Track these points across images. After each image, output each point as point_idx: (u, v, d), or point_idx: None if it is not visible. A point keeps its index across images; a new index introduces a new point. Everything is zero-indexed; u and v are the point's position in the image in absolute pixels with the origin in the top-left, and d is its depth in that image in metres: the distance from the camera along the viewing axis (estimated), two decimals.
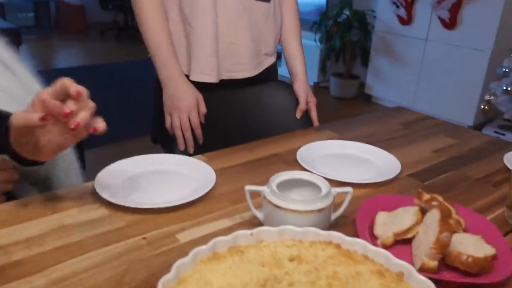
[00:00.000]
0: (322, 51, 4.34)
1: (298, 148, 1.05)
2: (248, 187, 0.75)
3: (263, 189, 0.73)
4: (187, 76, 1.22)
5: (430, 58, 3.61)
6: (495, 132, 3.30)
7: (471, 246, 0.65)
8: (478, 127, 3.41)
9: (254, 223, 0.76)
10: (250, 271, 0.58)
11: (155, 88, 1.30)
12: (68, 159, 0.90)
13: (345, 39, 4.08)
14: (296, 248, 0.63)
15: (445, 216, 0.67)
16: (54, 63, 5.40)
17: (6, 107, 0.79)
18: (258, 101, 1.34)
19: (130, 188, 0.87)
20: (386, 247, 0.68)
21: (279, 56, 1.49)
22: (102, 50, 6.02)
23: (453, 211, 0.73)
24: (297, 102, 1.32)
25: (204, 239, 0.71)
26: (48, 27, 6.85)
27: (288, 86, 1.36)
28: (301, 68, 1.34)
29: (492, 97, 3.10)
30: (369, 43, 4.07)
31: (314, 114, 1.33)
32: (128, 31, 6.75)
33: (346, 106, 4.08)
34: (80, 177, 0.89)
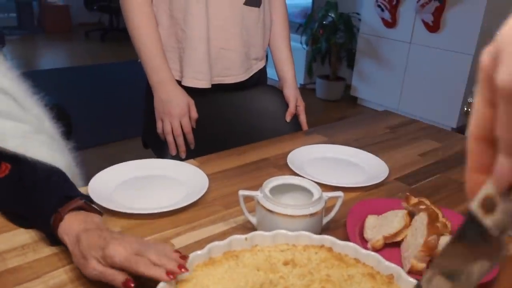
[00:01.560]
0: (308, 53, 4.37)
1: (288, 152, 1.07)
2: (242, 192, 0.76)
3: (257, 194, 0.75)
4: (179, 82, 1.23)
5: (414, 60, 3.67)
6: None
7: None
8: (461, 129, 3.48)
9: (248, 227, 0.78)
10: (246, 275, 0.59)
11: (146, 93, 1.30)
12: (71, 167, 0.90)
13: (330, 42, 4.12)
14: (290, 252, 0.65)
15: (432, 219, 0.69)
16: (38, 64, 5.34)
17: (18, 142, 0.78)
18: (248, 106, 1.35)
19: (124, 194, 0.87)
20: (376, 250, 0.71)
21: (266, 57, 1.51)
22: (87, 51, 5.96)
23: (440, 214, 0.76)
24: (286, 106, 1.34)
25: (199, 244, 0.72)
26: (32, 28, 6.76)
27: (277, 91, 1.38)
28: (291, 73, 1.36)
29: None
30: (355, 45, 4.12)
31: (303, 118, 1.35)
32: (113, 32, 6.70)
33: (332, 108, 4.12)
34: (80, 183, 0.90)
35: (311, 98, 4.31)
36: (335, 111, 4.03)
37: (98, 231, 0.62)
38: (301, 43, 4.29)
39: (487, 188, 0.27)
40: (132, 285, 0.56)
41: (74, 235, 0.63)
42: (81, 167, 0.95)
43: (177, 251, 0.59)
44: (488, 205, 0.27)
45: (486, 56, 0.27)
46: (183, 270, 0.56)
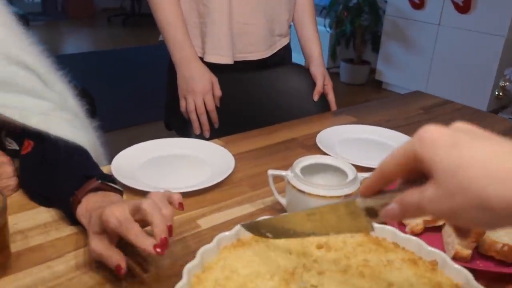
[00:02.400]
0: (332, 36, 4.27)
1: (317, 132, 1.02)
2: (271, 172, 0.72)
3: (287, 173, 0.71)
4: (201, 59, 1.19)
5: (443, 43, 3.55)
6: (510, 118, 3.25)
7: (505, 234, 0.62)
8: (492, 113, 3.36)
9: (277, 208, 0.74)
10: (277, 258, 0.56)
11: (168, 72, 1.27)
12: (95, 145, 0.88)
13: (355, 24, 4.01)
14: None
15: None
16: (62, 49, 5.37)
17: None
18: (273, 85, 1.31)
19: (147, 173, 0.84)
20: (415, 234, 0.66)
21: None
22: (109, 36, 5.97)
23: None
24: (313, 85, 1.29)
25: (226, 225, 0.69)
26: (55, 14, 6.80)
27: (303, 69, 1.33)
28: (317, 50, 1.31)
29: (507, 83, 3.04)
30: (380, 28, 4.00)
31: (331, 97, 1.30)
32: (135, 17, 6.69)
33: (357, 93, 4.03)
34: (104, 162, 0.87)
35: (335, 82, 4.17)
36: (360, 95, 3.94)
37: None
38: (324, 26, 4.19)
39: (373, 202, 0.43)
40: (122, 271, 0.52)
41: (88, 216, 0.60)
42: (105, 147, 0.92)
43: (181, 203, 0.58)
44: (371, 213, 0.44)
45: (425, 150, 0.36)
46: (162, 239, 0.51)
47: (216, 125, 1.19)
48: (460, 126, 0.36)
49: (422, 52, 3.71)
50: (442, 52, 3.58)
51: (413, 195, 0.37)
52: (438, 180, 0.34)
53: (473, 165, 0.32)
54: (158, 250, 0.51)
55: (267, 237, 0.54)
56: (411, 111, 1.25)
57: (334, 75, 4.33)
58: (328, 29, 4.22)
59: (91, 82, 3.66)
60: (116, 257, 0.53)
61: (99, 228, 0.55)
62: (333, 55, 4.27)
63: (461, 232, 0.40)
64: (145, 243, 0.51)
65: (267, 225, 0.54)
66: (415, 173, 0.37)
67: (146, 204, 0.53)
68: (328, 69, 4.44)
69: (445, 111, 1.25)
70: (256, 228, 0.55)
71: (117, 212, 0.53)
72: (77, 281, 0.56)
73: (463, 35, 3.40)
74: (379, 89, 4.13)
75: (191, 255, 0.54)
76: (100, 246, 0.55)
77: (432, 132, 0.36)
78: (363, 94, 3.97)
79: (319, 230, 0.50)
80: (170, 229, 0.54)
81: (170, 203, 0.59)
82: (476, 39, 3.32)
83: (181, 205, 0.59)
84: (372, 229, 0.46)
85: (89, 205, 0.62)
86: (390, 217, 0.41)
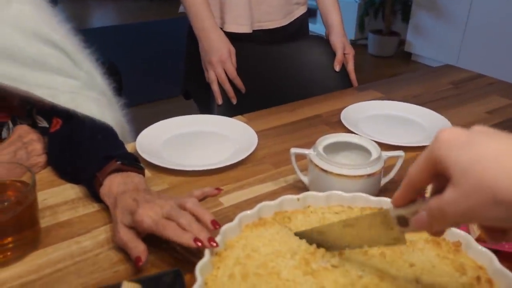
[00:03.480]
0: (360, 6, 4.15)
1: (341, 109, 1.01)
2: (294, 150, 0.72)
3: (309, 152, 0.70)
4: (221, 28, 1.20)
5: (477, 12, 3.39)
6: None
7: None
8: None
9: (299, 187, 0.74)
10: (298, 238, 0.56)
11: (187, 41, 1.29)
12: (122, 123, 0.89)
13: None
14: (345, 214, 0.60)
15: None
16: (89, 23, 5.41)
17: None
18: (294, 58, 1.30)
19: (171, 150, 0.85)
20: None
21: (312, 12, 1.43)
22: (136, 9, 5.98)
23: None
24: (333, 57, 1.27)
25: (248, 203, 0.69)
26: None
27: (324, 42, 1.31)
28: (337, 18, 1.28)
29: None
30: None
31: (351, 66, 1.27)
32: None
33: (385, 65, 3.93)
34: (131, 140, 0.89)
35: (362, 54, 4.13)
36: (388, 68, 3.84)
37: (134, 192, 0.60)
38: None
39: (402, 211, 0.44)
40: (140, 263, 0.53)
41: (113, 198, 0.61)
42: (131, 124, 0.94)
43: (214, 221, 0.55)
44: (402, 222, 0.45)
45: (442, 151, 0.36)
46: (212, 243, 0.51)
47: (243, 91, 1.19)
48: (478, 128, 0.36)
49: (455, 22, 3.56)
50: (476, 22, 3.43)
51: (435, 200, 0.37)
52: (455, 181, 0.34)
53: (486, 160, 0.32)
54: (199, 243, 0.51)
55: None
56: (440, 85, 1.21)
57: (362, 47, 4.23)
58: None
59: (118, 56, 3.69)
60: (139, 249, 0.55)
61: (129, 223, 0.57)
62: (361, 26, 4.16)
63: (493, 235, 0.39)
64: (184, 237, 0.52)
65: (305, 235, 0.55)
66: (443, 179, 0.37)
67: (183, 219, 0.54)
68: (355, 40, 4.31)
69: (476, 86, 1.21)
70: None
71: (151, 212, 0.55)
72: (103, 257, 0.58)
73: (499, 3, 3.24)
74: (408, 61, 4.01)
75: (214, 232, 0.55)
76: (127, 236, 0.56)
77: (448, 133, 0.36)
78: (392, 67, 3.87)
79: (354, 243, 0.51)
80: (214, 222, 0.55)
81: (205, 197, 0.61)
82: None
83: (218, 189, 0.60)
84: (405, 241, 0.46)
85: (113, 186, 0.63)
86: (419, 225, 0.41)
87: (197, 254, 0.57)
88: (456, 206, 0.35)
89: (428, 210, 0.39)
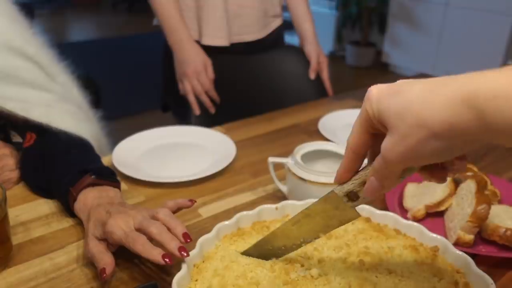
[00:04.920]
0: (338, 18, 4.22)
1: (319, 118, 1.01)
2: (272, 159, 0.72)
3: (287, 161, 0.70)
4: (198, 42, 1.21)
5: (451, 23, 3.48)
6: None
7: (508, 218, 0.62)
8: None
9: (278, 196, 0.74)
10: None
11: (164, 54, 1.30)
12: (99, 136, 0.88)
13: (361, 6, 3.95)
14: None
15: (481, 187, 0.63)
16: (67, 37, 5.36)
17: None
18: (269, 68, 1.32)
19: (148, 162, 0.84)
20: (417, 220, 0.65)
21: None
22: (115, 23, 5.95)
23: (489, 182, 0.69)
24: (308, 66, 1.29)
25: (227, 214, 0.69)
26: (60, 1, 6.77)
27: (298, 51, 1.33)
28: (310, 28, 1.31)
29: None
30: (387, 9, 3.94)
31: (325, 74, 1.29)
32: (140, 3, 6.65)
33: (363, 75, 3.98)
34: (108, 152, 0.87)
35: (341, 65, 4.18)
36: (366, 78, 3.90)
37: (108, 205, 0.59)
38: (330, 8, 4.14)
39: (351, 185, 0.44)
40: (104, 275, 0.51)
41: (87, 212, 0.60)
42: (110, 137, 0.92)
43: (186, 234, 0.53)
44: (352, 196, 0.44)
45: (374, 105, 0.37)
46: (183, 253, 0.50)
47: (217, 101, 1.20)
48: (400, 80, 0.38)
49: (429, 33, 3.65)
50: (449, 33, 3.51)
51: (378, 157, 0.39)
52: (391, 129, 0.36)
53: (418, 102, 0.34)
54: (167, 260, 0.50)
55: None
56: None
57: (340, 58, 4.28)
58: (333, 11, 4.16)
59: (96, 70, 3.65)
60: (105, 261, 0.53)
61: (100, 235, 0.55)
62: (339, 37, 4.22)
63: (434, 175, 0.40)
64: (152, 253, 0.50)
65: (256, 251, 0.53)
66: (380, 141, 0.38)
67: (154, 228, 0.52)
68: (333, 52, 4.34)
69: None
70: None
71: (122, 224, 0.54)
72: (78, 272, 0.56)
73: (471, 15, 3.33)
74: (385, 71, 4.08)
75: (193, 244, 0.54)
76: (96, 248, 0.54)
77: (375, 89, 0.38)
78: (370, 77, 3.92)
79: (308, 235, 0.50)
80: (186, 235, 0.53)
81: (178, 209, 0.59)
82: (484, 19, 3.25)
83: (191, 201, 0.59)
84: (358, 214, 0.46)
85: (87, 200, 0.62)
86: (371, 192, 0.41)
87: (168, 270, 0.56)
88: (396, 149, 0.36)
89: (372, 170, 0.40)
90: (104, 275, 0.51)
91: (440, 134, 0.33)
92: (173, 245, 0.50)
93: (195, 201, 0.60)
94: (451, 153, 0.36)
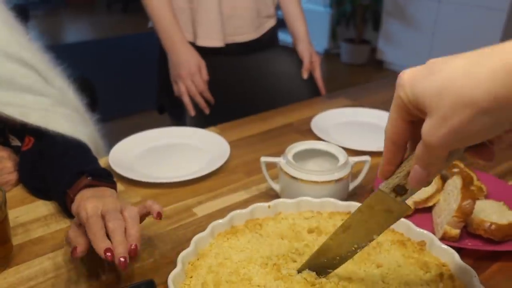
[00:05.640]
0: (332, 16, 4.23)
1: (312, 117, 1.03)
2: (264, 159, 0.73)
3: (279, 160, 0.72)
4: (193, 44, 1.22)
5: (444, 20, 3.50)
6: None
7: (493, 213, 0.64)
8: None
9: (271, 194, 0.75)
10: (270, 244, 0.57)
11: (159, 55, 1.31)
12: (95, 138, 0.89)
13: (356, 3, 3.97)
14: (315, 219, 0.62)
15: (467, 183, 0.65)
16: (63, 38, 5.36)
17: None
18: (262, 69, 1.33)
19: (144, 163, 0.86)
20: (405, 216, 0.67)
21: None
22: (109, 23, 5.95)
23: (475, 178, 0.71)
24: (301, 66, 1.31)
25: (221, 213, 0.70)
26: (55, 2, 6.76)
27: (291, 51, 1.35)
28: (303, 28, 1.32)
29: None
30: (381, 6, 3.96)
31: (318, 74, 1.30)
32: (135, 3, 6.64)
33: (358, 73, 4.00)
34: (105, 154, 0.89)
35: (335, 63, 4.20)
36: (361, 75, 3.92)
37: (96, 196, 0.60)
38: (324, 6, 4.15)
39: (396, 179, 0.42)
40: (75, 255, 0.52)
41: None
42: (106, 138, 0.94)
43: (135, 247, 0.52)
44: (400, 190, 0.42)
45: (407, 89, 0.36)
46: (121, 259, 0.50)
47: (212, 102, 1.21)
48: (431, 60, 0.36)
49: (423, 30, 3.67)
50: (443, 29, 3.54)
51: (419, 143, 0.37)
52: (430, 111, 0.34)
53: (456, 79, 0.32)
54: (108, 254, 0.50)
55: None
56: None
57: (334, 56, 4.30)
58: (327, 9, 4.18)
59: (91, 71, 3.66)
60: (78, 242, 0.54)
61: (78, 221, 0.57)
62: (333, 35, 4.24)
63: (485, 155, 0.39)
64: (99, 245, 0.51)
65: (311, 265, 0.51)
66: (419, 127, 0.36)
67: (111, 224, 0.53)
68: (328, 50, 4.34)
69: None
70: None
71: (90, 207, 0.55)
72: (77, 272, 0.58)
73: (464, 11, 3.36)
74: (380, 68, 4.10)
75: (188, 242, 0.56)
76: (73, 233, 0.56)
77: (407, 73, 0.37)
78: (365, 74, 3.95)
79: (362, 239, 0.48)
80: (134, 250, 0.52)
81: (148, 213, 0.58)
82: (477, 14, 3.28)
83: (159, 215, 0.57)
84: (409, 207, 0.44)
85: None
86: (417, 180, 0.39)
87: (164, 268, 0.57)
88: (438, 132, 0.34)
89: (416, 158, 0.38)
90: (75, 253, 0.53)
91: (487, 109, 0.31)
92: (119, 250, 0.50)
93: (161, 217, 0.58)
94: (500, 127, 0.33)
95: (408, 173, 0.40)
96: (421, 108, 0.35)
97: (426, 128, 0.35)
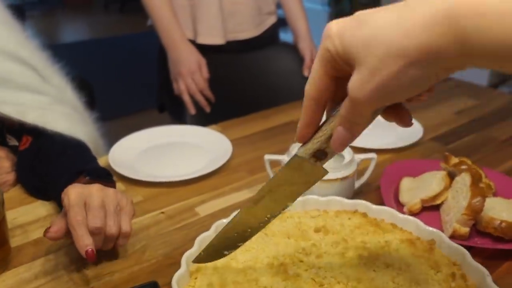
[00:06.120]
0: (330, 15, 4.22)
1: None
2: (268, 157, 0.72)
3: (283, 158, 0.70)
4: (193, 41, 1.21)
5: None
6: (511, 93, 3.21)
7: (503, 210, 0.62)
8: (493, 86, 3.33)
9: None
10: (276, 244, 0.56)
11: (159, 55, 1.30)
12: (94, 137, 0.88)
13: (354, 2, 3.96)
14: (321, 218, 0.61)
15: (476, 180, 0.64)
16: (60, 38, 5.33)
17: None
18: (263, 66, 1.32)
19: (145, 162, 0.84)
20: (413, 214, 0.66)
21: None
22: (107, 23, 5.92)
23: (483, 175, 0.70)
24: (302, 63, 1.30)
25: (224, 212, 0.69)
26: (52, 2, 6.74)
27: (292, 49, 1.34)
28: (304, 25, 1.32)
29: None
30: (379, 5, 3.95)
31: None
32: (132, 2, 6.62)
33: None
34: (104, 153, 0.87)
35: None
36: None
37: None
38: (322, 4, 4.14)
39: (316, 143, 0.39)
40: (47, 233, 0.53)
41: None
42: (105, 137, 0.92)
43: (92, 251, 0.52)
44: (320, 155, 0.40)
45: (336, 41, 0.33)
46: (89, 251, 0.51)
47: (212, 100, 1.20)
48: (359, 12, 0.34)
49: None
50: None
51: (345, 101, 0.34)
52: (359, 64, 0.32)
53: (386, 29, 0.30)
54: (89, 250, 0.51)
55: (226, 255, 0.49)
56: None
57: None
58: (326, 7, 4.16)
59: (90, 70, 3.64)
60: (55, 223, 0.54)
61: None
62: None
63: (402, 117, 0.37)
64: (79, 243, 0.51)
65: (221, 243, 0.49)
66: (342, 86, 0.34)
67: (71, 219, 0.52)
68: None
69: (444, 88, 1.24)
70: (211, 255, 0.49)
71: (74, 194, 0.54)
72: (77, 273, 0.56)
73: None
74: None
75: (191, 243, 0.54)
76: (58, 219, 0.55)
77: (334, 24, 0.34)
78: None
79: (274, 209, 0.45)
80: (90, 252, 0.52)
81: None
82: None
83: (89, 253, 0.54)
84: (326, 171, 0.42)
85: None
86: (340, 143, 0.37)
87: (167, 269, 0.56)
88: (366, 86, 0.31)
89: (340, 118, 0.35)
90: (47, 233, 0.53)
91: (419, 60, 0.29)
92: (85, 241, 0.51)
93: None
94: (428, 81, 0.31)
95: (330, 136, 0.38)
96: (349, 62, 0.33)
97: (353, 82, 0.32)
